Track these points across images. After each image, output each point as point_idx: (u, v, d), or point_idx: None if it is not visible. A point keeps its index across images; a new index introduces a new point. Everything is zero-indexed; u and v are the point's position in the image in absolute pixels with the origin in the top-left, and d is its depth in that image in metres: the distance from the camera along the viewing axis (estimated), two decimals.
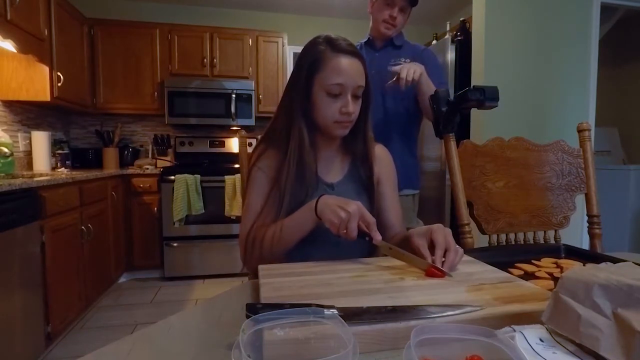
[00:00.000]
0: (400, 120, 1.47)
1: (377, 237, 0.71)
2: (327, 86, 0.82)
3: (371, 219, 0.72)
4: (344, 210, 0.70)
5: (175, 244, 2.88)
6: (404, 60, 1.48)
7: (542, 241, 1.16)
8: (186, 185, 2.76)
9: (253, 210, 0.87)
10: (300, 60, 0.86)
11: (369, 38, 1.57)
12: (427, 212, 2.74)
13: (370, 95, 0.89)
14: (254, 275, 0.72)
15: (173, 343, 0.48)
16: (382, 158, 0.98)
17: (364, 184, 0.93)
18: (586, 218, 1.16)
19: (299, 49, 0.93)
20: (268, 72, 3.34)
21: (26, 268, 1.60)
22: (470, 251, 0.83)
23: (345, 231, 0.71)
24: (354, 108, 0.84)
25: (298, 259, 0.76)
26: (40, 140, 2.54)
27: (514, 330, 0.41)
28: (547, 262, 0.77)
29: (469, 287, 0.56)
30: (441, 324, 0.43)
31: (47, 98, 2.35)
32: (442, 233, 0.69)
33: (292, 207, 0.83)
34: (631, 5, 2.73)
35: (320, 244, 0.83)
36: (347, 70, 0.82)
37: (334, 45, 0.83)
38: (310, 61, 0.84)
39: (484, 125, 2.36)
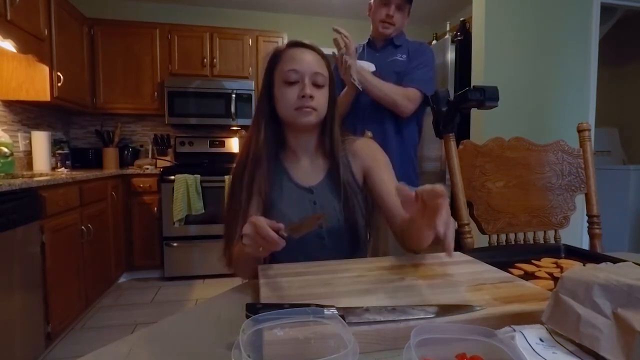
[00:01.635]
0: (396, 120, 1.47)
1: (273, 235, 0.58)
2: (284, 74, 0.84)
3: (262, 222, 0.59)
4: (245, 235, 0.61)
5: (175, 244, 2.87)
6: (399, 56, 1.48)
7: (542, 241, 1.16)
8: (186, 185, 2.76)
9: (226, 223, 0.87)
10: (266, 64, 0.90)
11: (369, 39, 1.58)
12: None
13: (335, 91, 0.90)
14: (254, 275, 0.72)
15: (173, 343, 0.48)
16: (362, 149, 0.94)
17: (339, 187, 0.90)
18: (586, 218, 1.16)
19: None
20: None
21: (26, 268, 1.60)
22: (470, 251, 0.83)
23: (266, 243, 0.59)
24: (312, 91, 0.83)
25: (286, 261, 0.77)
26: (40, 140, 2.54)
27: (514, 330, 0.41)
28: (547, 262, 0.77)
29: (469, 287, 0.56)
30: (441, 324, 0.43)
31: (47, 98, 2.35)
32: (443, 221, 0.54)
33: (264, 208, 0.85)
34: (631, 5, 2.73)
35: (310, 246, 0.85)
36: (301, 57, 0.84)
37: (291, 42, 0.87)
38: (271, 59, 0.88)
39: (484, 125, 2.36)
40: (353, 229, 0.88)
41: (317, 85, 0.85)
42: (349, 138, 0.95)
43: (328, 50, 1.11)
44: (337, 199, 0.88)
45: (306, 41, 0.88)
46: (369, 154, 0.94)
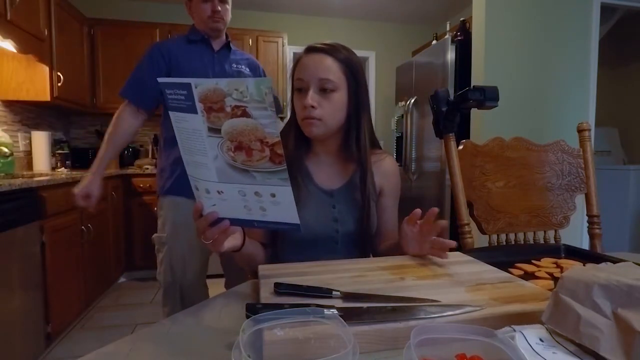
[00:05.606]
0: None
1: None
2: (294, 83, 0.84)
3: None
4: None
5: None
6: (243, 68, 1.44)
7: (542, 241, 1.16)
8: None
9: None
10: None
11: (202, 34, 1.48)
12: None
13: (361, 94, 0.85)
14: (254, 275, 0.72)
15: (173, 343, 0.48)
16: (389, 172, 0.94)
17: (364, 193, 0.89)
18: (586, 218, 1.16)
19: (299, 49, 0.94)
20: (268, 72, 3.31)
21: (26, 268, 1.60)
22: (470, 251, 0.83)
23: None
24: (315, 100, 0.80)
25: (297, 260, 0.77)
26: (40, 140, 2.54)
27: (514, 330, 0.41)
28: (547, 262, 0.77)
29: (469, 287, 0.56)
30: (441, 324, 0.43)
31: (47, 98, 2.35)
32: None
33: None
34: (631, 5, 2.73)
35: (323, 248, 0.85)
36: (308, 64, 0.82)
37: (306, 47, 0.85)
38: (292, 67, 0.87)
39: (484, 125, 2.36)
40: (366, 236, 0.87)
41: (325, 92, 0.81)
42: (378, 151, 0.94)
43: None
44: (356, 204, 0.87)
45: (321, 43, 0.83)
46: (391, 178, 0.94)
